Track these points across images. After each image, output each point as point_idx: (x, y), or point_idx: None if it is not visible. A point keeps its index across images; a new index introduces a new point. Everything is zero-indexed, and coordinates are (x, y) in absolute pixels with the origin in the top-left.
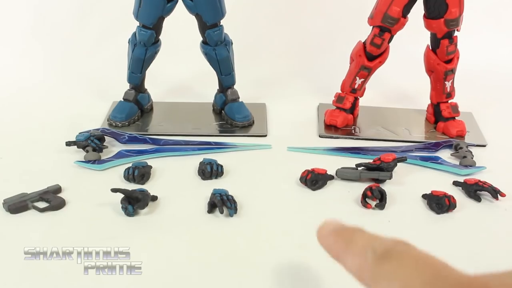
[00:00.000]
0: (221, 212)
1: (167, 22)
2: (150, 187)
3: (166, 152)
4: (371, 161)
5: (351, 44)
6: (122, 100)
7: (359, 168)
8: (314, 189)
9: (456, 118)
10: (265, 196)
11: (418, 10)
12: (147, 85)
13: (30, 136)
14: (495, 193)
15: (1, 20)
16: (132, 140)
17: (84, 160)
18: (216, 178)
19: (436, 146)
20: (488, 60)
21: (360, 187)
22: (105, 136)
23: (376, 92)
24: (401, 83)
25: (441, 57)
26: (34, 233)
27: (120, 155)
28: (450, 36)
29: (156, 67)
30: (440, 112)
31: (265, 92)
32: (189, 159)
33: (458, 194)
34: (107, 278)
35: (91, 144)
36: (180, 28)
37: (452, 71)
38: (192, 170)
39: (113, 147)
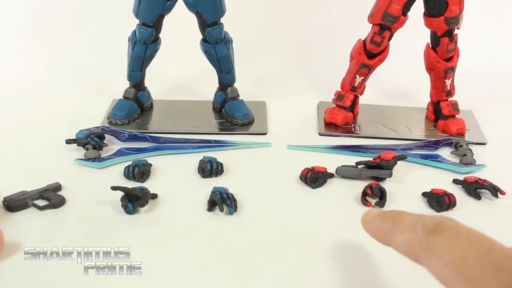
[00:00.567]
0: (221, 210)
1: (167, 20)
2: (150, 185)
3: (166, 150)
4: (371, 159)
5: (351, 42)
6: (122, 98)
7: (359, 166)
8: (314, 187)
9: (456, 116)
10: (265, 194)
11: (418, 8)
12: (147, 83)
13: (30, 134)
14: (495, 191)
15: (0, 18)
16: (132, 138)
17: (84, 158)
18: (216, 176)
19: (436, 144)
20: (488, 58)
21: (360, 185)
22: (105, 134)
23: (376, 90)
24: (401, 81)
25: (441, 55)
26: (33, 231)
27: (120, 153)
28: (450, 34)
29: (156, 65)
30: (440, 110)
31: (265, 90)
32: (189, 157)
33: (458, 192)
34: (107, 278)
35: (91, 142)
36: (180, 26)
37: (452, 69)
38: (192, 168)
39: (113, 145)
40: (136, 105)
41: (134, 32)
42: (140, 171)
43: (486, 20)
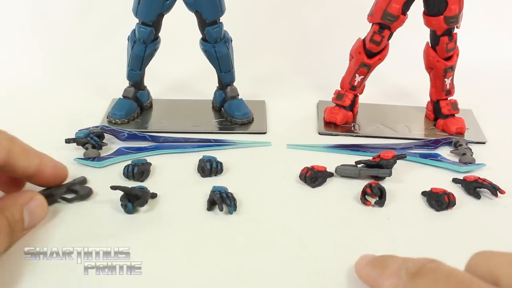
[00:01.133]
0: (221, 210)
1: (167, 19)
2: (149, 184)
3: (165, 149)
4: (370, 158)
5: (350, 41)
6: (122, 97)
7: (358, 165)
8: (313, 186)
9: (455, 115)
10: (265, 194)
11: (417, 7)
12: (147, 82)
13: (29, 133)
14: (495, 190)
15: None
16: (132, 137)
17: (83, 158)
18: (215, 175)
19: (436, 143)
20: (488, 57)
21: (359, 184)
22: (104, 133)
23: (376, 89)
24: (400, 80)
25: (441, 54)
26: (33, 231)
27: (119, 152)
28: (449, 33)
29: (155, 64)
30: (440, 109)
31: (265, 89)
32: (189, 156)
33: (457, 191)
34: (107, 278)
35: (90, 141)
36: (180, 25)
37: (452, 68)
38: (191, 167)
39: (112, 144)
40: (135, 104)
41: (134, 31)
42: (139, 171)
43: (486, 19)
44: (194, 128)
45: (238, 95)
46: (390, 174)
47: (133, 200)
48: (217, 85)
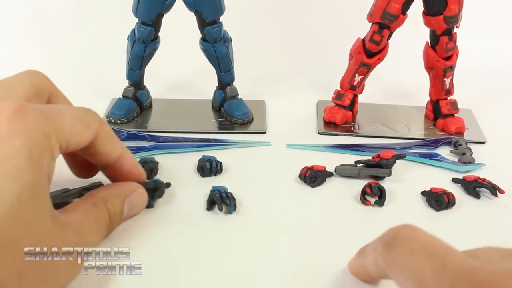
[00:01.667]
0: (220, 210)
1: (166, 19)
2: None
3: (165, 149)
4: (370, 158)
5: (350, 41)
6: (121, 97)
7: (358, 165)
8: (313, 186)
9: (455, 115)
10: (264, 193)
11: (417, 7)
12: (146, 82)
13: None
14: (494, 190)
15: None
16: (131, 137)
17: None
18: (215, 175)
19: (435, 143)
20: (487, 57)
21: (359, 184)
22: None
23: (376, 89)
24: (400, 80)
25: (440, 54)
26: None
27: None
28: (449, 33)
29: (155, 64)
30: (439, 109)
31: (265, 89)
32: (188, 156)
33: (457, 191)
34: (107, 278)
35: None
36: (179, 25)
37: (451, 68)
38: (191, 167)
39: None
40: (135, 104)
41: (133, 31)
42: (148, 168)
43: (485, 19)
44: (194, 127)
45: (238, 94)
46: (389, 174)
47: (151, 193)
48: (217, 84)
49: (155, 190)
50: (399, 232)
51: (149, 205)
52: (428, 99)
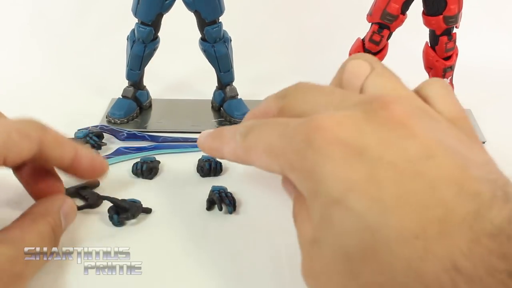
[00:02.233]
0: (220, 209)
1: (166, 19)
2: (149, 183)
3: (164, 149)
4: None
5: (350, 41)
6: (121, 97)
7: None
8: None
9: None
10: (264, 193)
11: (417, 7)
12: (146, 82)
13: None
14: None
15: None
16: (131, 137)
17: None
18: (215, 175)
19: None
20: (487, 57)
21: None
22: (103, 133)
23: None
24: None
25: (440, 54)
26: None
27: (119, 152)
28: (449, 33)
29: (155, 64)
30: None
31: (264, 89)
32: (188, 156)
33: None
34: (107, 278)
35: (89, 141)
36: (179, 25)
37: (451, 68)
38: (191, 167)
39: (111, 144)
40: (135, 104)
41: (133, 31)
42: (148, 168)
43: (485, 19)
44: (194, 127)
45: (238, 94)
46: None
47: (121, 212)
48: (217, 84)
49: (125, 210)
50: (253, 124)
51: (114, 223)
52: None
